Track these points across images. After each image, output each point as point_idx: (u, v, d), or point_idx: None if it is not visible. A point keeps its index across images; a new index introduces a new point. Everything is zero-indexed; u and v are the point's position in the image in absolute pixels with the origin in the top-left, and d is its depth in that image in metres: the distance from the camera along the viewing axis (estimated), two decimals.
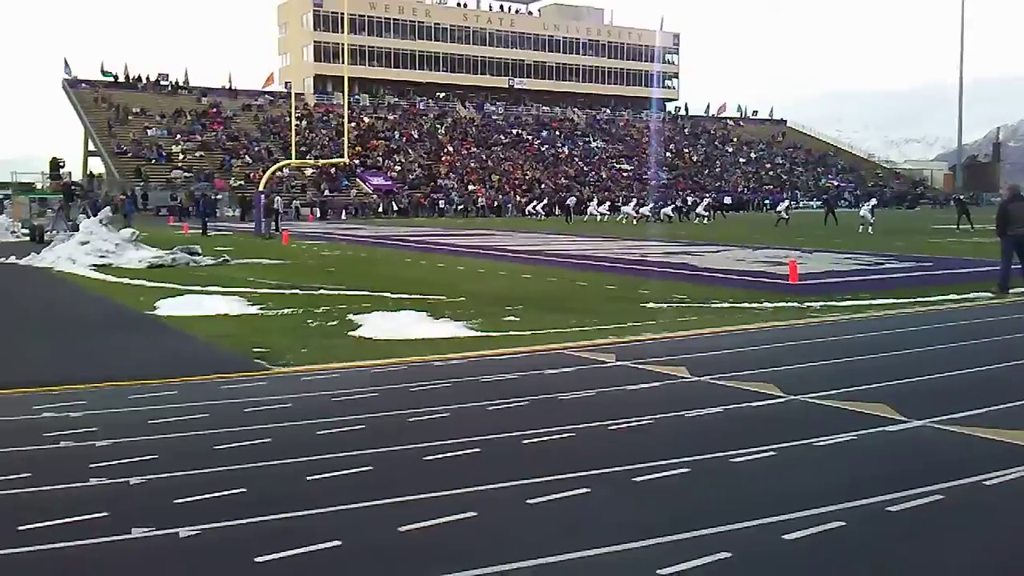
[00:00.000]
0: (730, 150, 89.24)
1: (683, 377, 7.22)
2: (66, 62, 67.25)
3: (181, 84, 71.98)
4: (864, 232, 30.45)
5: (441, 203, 61.52)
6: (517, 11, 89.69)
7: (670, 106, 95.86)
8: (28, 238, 28.49)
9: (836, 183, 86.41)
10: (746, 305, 12.05)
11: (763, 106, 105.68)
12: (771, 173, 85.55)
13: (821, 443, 5.23)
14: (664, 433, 5.59)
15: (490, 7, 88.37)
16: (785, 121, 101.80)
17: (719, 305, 12.07)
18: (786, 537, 3.74)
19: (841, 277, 16.14)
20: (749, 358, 8.06)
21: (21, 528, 3.88)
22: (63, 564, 3.59)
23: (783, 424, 5.76)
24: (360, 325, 10.21)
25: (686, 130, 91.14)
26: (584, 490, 4.37)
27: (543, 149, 78.23)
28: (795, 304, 12.11)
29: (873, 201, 34.84)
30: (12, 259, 20.53)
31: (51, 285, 16.02)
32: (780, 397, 6.45)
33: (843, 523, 3.89)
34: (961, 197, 41.54)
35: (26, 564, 3.58)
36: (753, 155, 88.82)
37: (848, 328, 10.03)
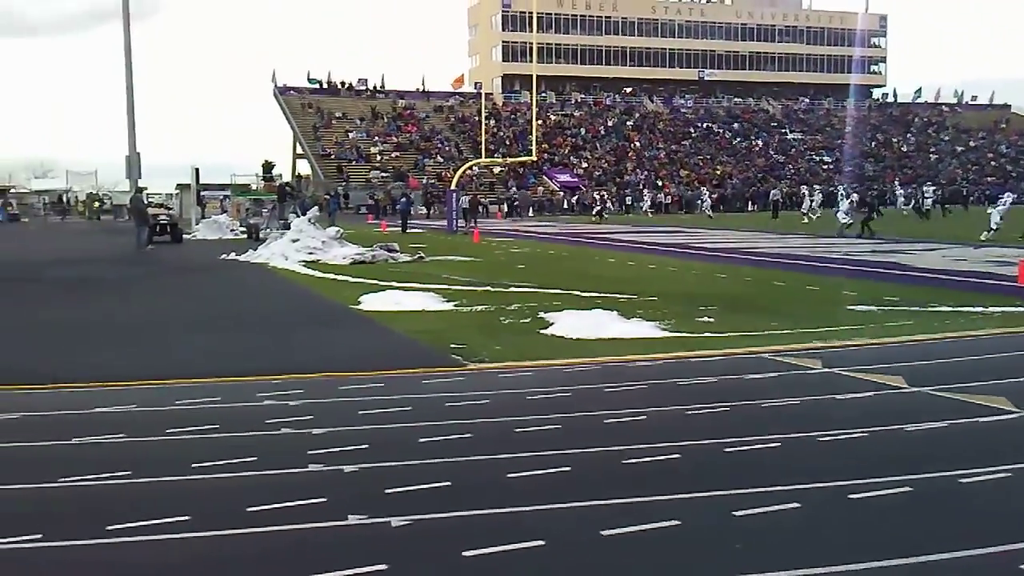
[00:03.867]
0: (946, 138, 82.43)
1: (900, 387, 6.71)
2: (274, 73, 72.70)
3: (378, 88, 75.82)
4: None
5: (628, 199, 61.05)
6: (708, 0, 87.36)
7: (876, 92, 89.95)
8: (245, 235, 31.08)
9: None
10: (969, 309, 11.05)
11: (984, 90, 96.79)
12: (993, 164, 78.19)
13: None
14: (881, 448, 5.21)
15: None
16: (1010, 106, 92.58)
17: (938, 309, 11.14)
18: (1023, 567, 3.37)
19: None
20: (975, 368, 7.38)
21: (250, 509, 4.19)
22: (287, 545, 3.83)
23: (1017, 442, 5.24)
24: (552, 323, 10.28)
25: (896, 118, 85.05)
26: (795, 504, 4.15)
27: (735, 142, 75.82)
28: None
29: (1008, 195, 29.11)
30: (233, 255, 22.42)
31: (267, 280, 17.34)
32: (1013, 412, 5.86)
33: None
34: (868, 199, 33.92)
35: (250, 545, 3.85)
36: (972, 143, 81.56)
37: None
